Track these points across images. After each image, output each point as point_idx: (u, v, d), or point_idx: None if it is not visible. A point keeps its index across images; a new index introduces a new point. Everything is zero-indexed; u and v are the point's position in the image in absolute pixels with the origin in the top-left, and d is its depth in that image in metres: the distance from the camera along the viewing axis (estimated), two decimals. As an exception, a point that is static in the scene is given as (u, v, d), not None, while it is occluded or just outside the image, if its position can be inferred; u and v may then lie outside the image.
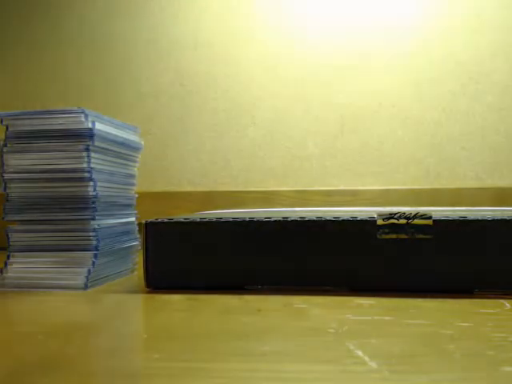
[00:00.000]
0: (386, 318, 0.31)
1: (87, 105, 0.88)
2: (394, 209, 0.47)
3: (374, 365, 0.23)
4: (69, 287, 0.45)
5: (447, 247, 0.41)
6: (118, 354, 0.26)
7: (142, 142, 0.58)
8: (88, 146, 0.46)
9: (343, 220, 0.42)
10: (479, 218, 0.41)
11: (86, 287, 0.45)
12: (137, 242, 0.55)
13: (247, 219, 0.44)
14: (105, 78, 0.89)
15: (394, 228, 0.42)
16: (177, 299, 0.39)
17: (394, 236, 0.42)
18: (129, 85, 0.89)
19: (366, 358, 0.24)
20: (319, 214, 0.46)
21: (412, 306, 0.34)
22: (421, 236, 0.41)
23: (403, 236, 0.42)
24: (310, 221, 0.43)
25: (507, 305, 0.34)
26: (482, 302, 0.35)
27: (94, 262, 0.45)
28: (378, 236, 0.42)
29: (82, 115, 0.45)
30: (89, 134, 0.46)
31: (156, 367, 0.24)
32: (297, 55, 0.85)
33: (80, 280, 0.45)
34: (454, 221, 0.41)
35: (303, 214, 0.47)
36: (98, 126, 0.47)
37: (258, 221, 0.44)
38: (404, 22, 0.83)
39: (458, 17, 0.82)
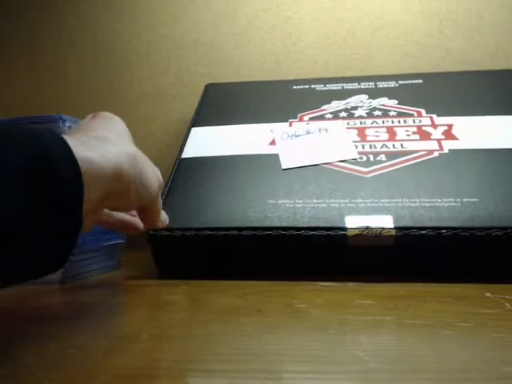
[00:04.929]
0: (386, 318, 0.31)
1: (87, 105, 0.88)
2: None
3: (374, 365, 0.23)
4: (43, 282, 0.45)
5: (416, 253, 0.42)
6: (118, 354, 0.26)
7: None
8: None
9: (314, 235, 0.43)
10: (450, 234, 0.41)
11: (62, 282, 0.46)
12: (122, 240, 0.56)
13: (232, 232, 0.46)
14: (105, 78, 0.89)
15: (367, 238, 0.42)
16: (177, 299, 0.39)
17: (367, 244, 0.42)
18: (129, 85, 0.89)
19: (366, 358, 0.24)
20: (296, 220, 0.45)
21: (412, 306, 0.34)
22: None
23: (377, 244, 0.42)
24: (286, 235, 0.44)
25: (507, 305, 0.34)
26: (482, 302, 0.35)
27: (71, 259, 0.46)
28: (351, 244, 0.42)
29: (60, 121, 0.47)
30: None
31: (156, 367, 0.24)
32: (297, 55, 0.85)
33: (56, 274, 0.45)
34: (422, 235, 0.41)
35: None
36: None
37: (233, 235, 0.45)
38: (404, 21, 0.83)
39: (459, 16, 0.82)
